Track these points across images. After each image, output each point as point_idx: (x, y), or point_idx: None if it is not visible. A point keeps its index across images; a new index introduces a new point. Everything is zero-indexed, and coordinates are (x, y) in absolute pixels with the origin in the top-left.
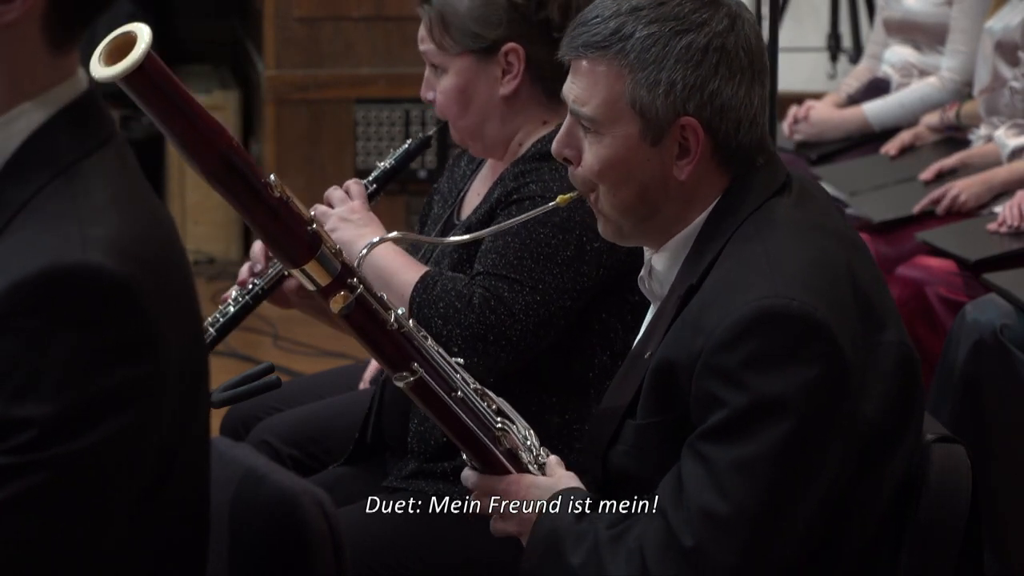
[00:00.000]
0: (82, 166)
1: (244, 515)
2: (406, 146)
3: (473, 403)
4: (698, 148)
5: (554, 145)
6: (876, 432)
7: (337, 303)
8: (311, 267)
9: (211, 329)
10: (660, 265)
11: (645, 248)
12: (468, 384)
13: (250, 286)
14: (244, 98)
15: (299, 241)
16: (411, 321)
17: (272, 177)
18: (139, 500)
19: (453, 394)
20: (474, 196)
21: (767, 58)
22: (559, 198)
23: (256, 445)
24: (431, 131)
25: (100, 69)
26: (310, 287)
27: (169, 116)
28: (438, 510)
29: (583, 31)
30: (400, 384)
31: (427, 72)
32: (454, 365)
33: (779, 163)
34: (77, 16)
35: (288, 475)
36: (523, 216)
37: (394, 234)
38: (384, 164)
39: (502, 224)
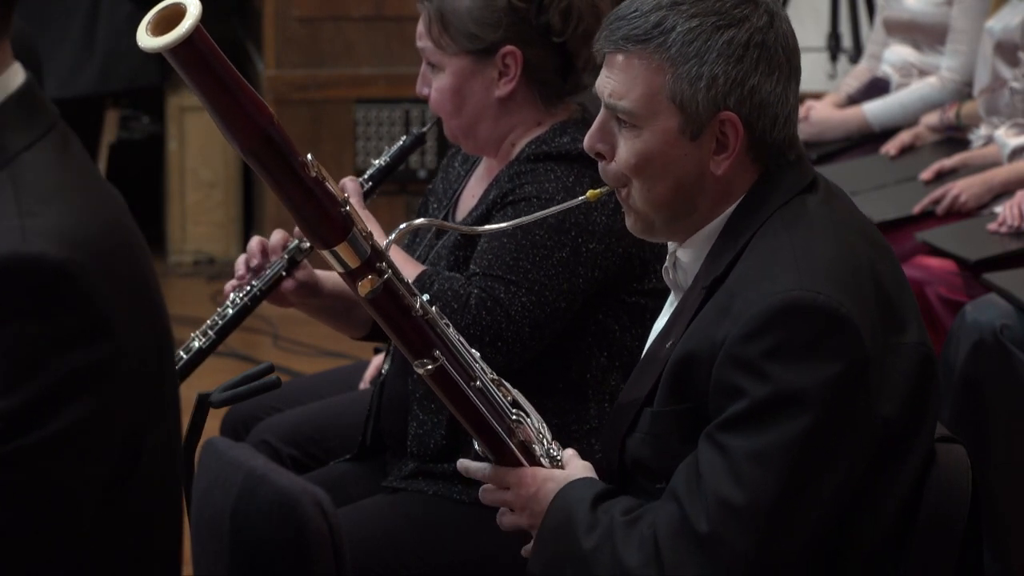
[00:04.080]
0: (22, 158)
1: (244, 515)
2: (401, 143)
3: (491, 393)
4: (736, 143)
5: (587, 140)
6: (892, 431)
7: (365, 287)
8: (342, 249)
9: (211, 332)
10: (686, 257)
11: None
12: (487, 374)
13: (248, 287)
14: None
15: (332, 222)
16: (434, 308)
17: (309, 156)
18: (109, 486)
19: (472, 384)
20: (469, 197)
21: (800, 57)
22: (589, 193)
23: (256, 445)
24: (426, 127)
25: (147, 39)
26: (339, 269)
27: (213, 90)
28: (437, 510)
29: (622, 24)
30: (420, 371)
31: (423, 67)
32: (474, 354)
33: (807, 162)
34: (2, 5)
35: (288, 475)
36: (551, 209)
37: (420, 221)
38: (379, 161)
39: (526, 217)
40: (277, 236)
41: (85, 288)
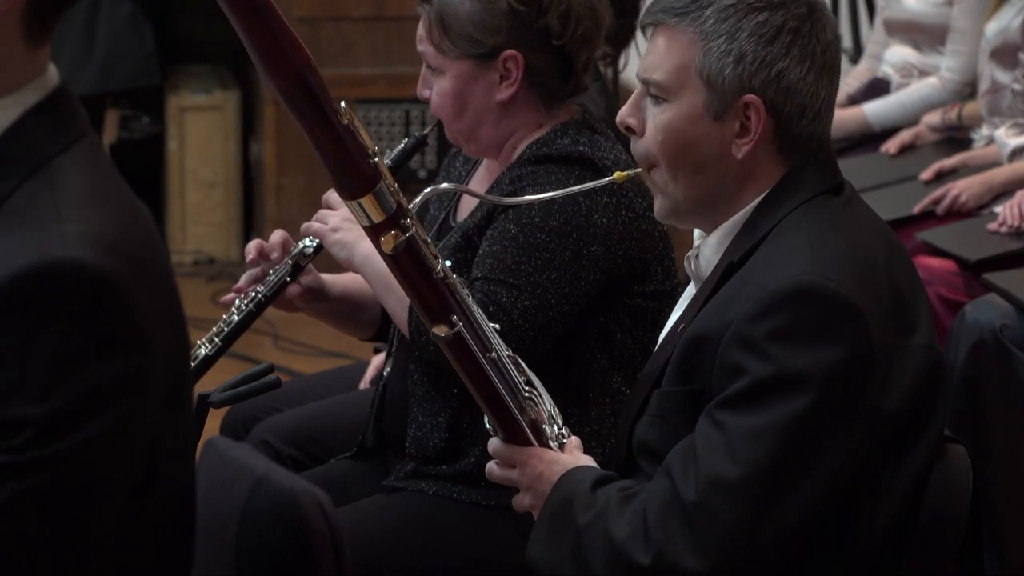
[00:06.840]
0: (57, 162)
1: (244, 515)
2: (402, 145)
3: (505, 367)
4: (759, 128)
5: (619, 115)
6: (894, 430)
7: (388, 242)
8: (367, 201)
9: (217, 339)
10: (708, 248)
11: (696, 231)
12: (503, 348)
13: (253, 294)
14: (244, 98)
15: (360, 172)
16: (455, 276)
17: (343, 104)
18: (129, 498)
19: (487, 354)
20: (470, 198)
21: (840, 58)
22: (616, 174)
23: (256, 445)
24: (427, 130)
25: None
26: (363, 222)
27: (254, 26)
28: (438, 510)
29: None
30: (436, 337)
31: (423, 70)
32: (491, 328)
33: (836, 165)
34: (55, 8)
35: (288, 475)
36: (577, 188)
37: (445, 185)
38: None
39: (556, 192)
40: (277, 236)
41: (124, 298)
